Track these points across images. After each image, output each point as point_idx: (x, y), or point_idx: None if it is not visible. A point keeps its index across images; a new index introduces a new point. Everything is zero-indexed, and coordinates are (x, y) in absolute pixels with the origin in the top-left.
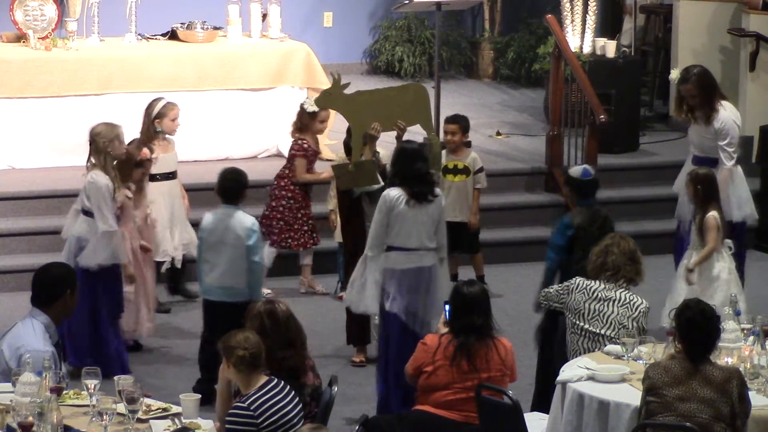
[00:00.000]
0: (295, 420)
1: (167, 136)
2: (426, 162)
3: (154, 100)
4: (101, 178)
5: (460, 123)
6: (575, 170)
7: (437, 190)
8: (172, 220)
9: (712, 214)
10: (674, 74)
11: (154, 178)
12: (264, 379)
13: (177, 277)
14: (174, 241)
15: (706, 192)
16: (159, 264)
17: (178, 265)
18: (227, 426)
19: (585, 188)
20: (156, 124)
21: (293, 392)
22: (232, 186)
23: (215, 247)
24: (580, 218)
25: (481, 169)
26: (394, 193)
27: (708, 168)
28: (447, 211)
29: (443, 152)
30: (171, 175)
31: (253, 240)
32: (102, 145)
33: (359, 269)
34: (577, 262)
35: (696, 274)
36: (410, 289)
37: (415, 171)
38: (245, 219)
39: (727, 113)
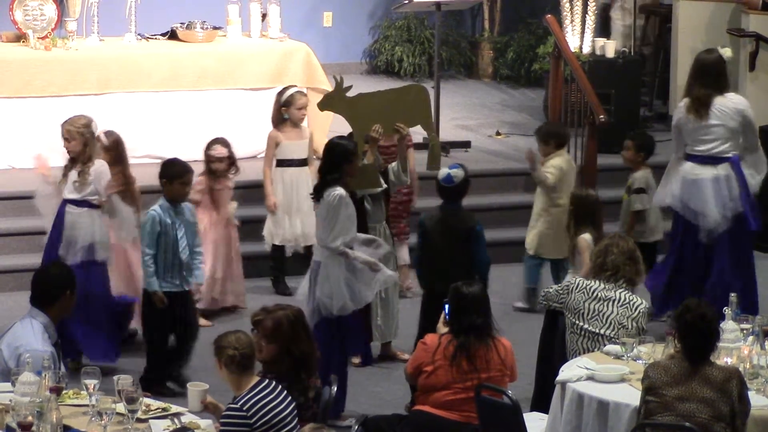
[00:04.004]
0: (288, 419)
1: (302, 125)
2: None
3: (285, 88)
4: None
5: (635, 140)
6: (441, 172)
7: None
8: (290, 208)
9: (583, 237)
10: (727, 52)
11: (280, 163)
12: (255, 379)
13: (279, 265)
14: (293, 228)
15: (580, 214)
16: (278, 248)
17: (288, 253)
18: (222, 428)
19: (445, 193)
20: (283, 111)
21: (285, 392)
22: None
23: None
24: (427, 220)
25: (637, 190)
26: (345, 192)
27: (590, 190)
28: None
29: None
30: (297, 163)
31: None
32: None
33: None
34: (423, 263)
35: None
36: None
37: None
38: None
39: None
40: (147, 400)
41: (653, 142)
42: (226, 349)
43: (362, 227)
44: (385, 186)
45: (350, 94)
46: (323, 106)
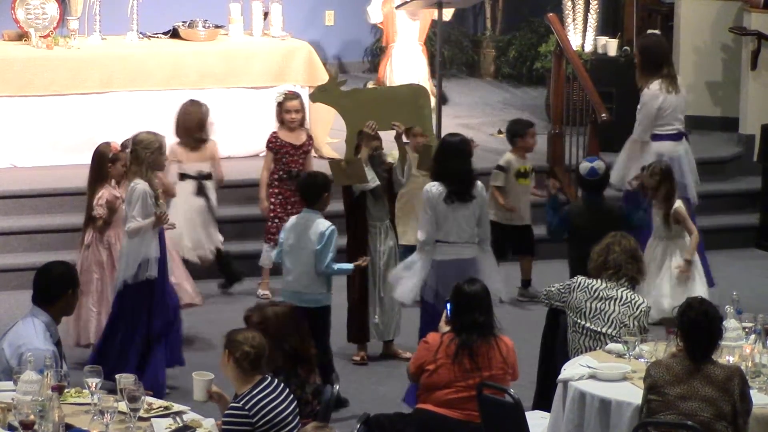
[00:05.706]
0: (290, 418)
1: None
2: (467, 158)
3: None
4: (140, 185)
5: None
6: (583, 166)
7: (478, 185)
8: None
9: (680, 205)
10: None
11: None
12: (258, 378)
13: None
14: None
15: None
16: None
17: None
18: (224, 426)
19: (589, 186)
20: None
21: (287, 390)
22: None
23: (292, 251)
24: (574, 215)
25: (497, 167)
26: (435, 190)
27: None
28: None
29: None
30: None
31: (322, 245)
32: (143, 155)
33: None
34: (572, 258)
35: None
36: (449, 279)
37: (451, 169)
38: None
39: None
40: (149, 399)
41: (512, 128)
42: (241, 345)
43: (362, 225)
44: (378, 182)
45: (345, 88)
46: (315, 98)
